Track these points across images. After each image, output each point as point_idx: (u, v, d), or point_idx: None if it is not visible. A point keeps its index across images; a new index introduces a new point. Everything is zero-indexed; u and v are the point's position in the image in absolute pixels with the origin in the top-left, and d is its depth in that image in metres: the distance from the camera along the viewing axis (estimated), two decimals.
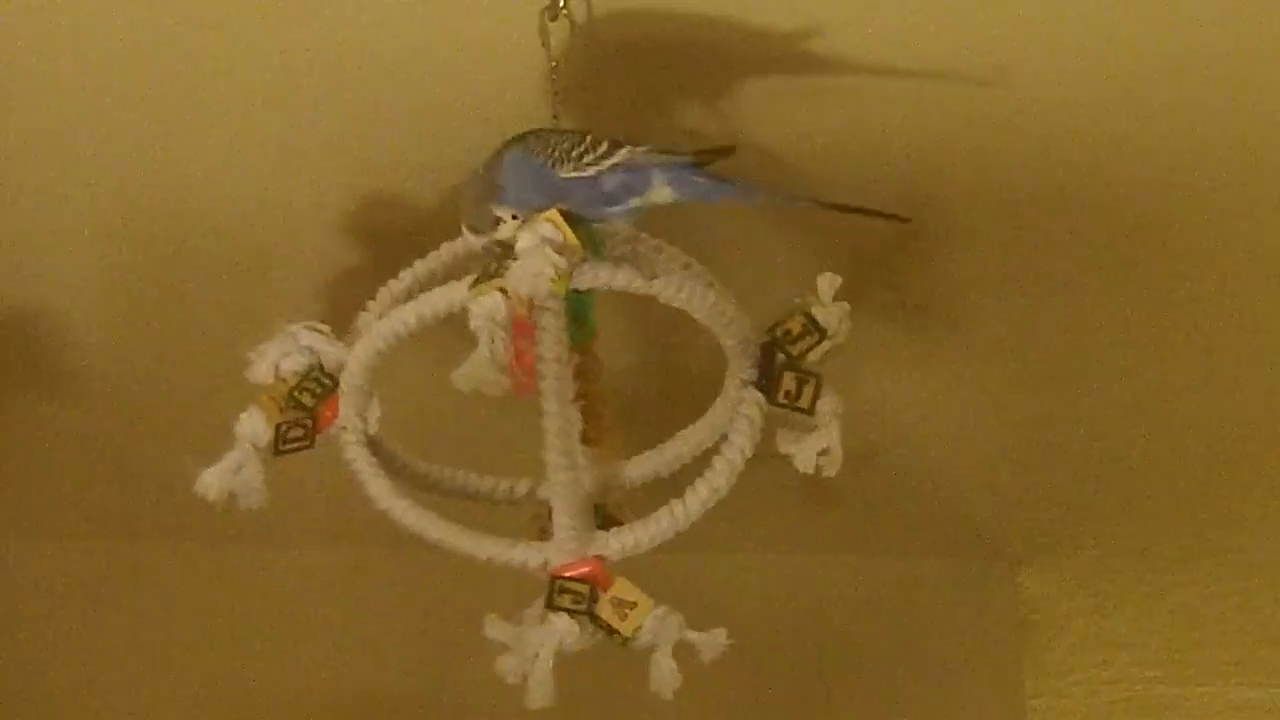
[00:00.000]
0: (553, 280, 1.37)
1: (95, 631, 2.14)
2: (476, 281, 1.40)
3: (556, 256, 1.37)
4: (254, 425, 1.50)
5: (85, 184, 1.67)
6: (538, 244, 1.38)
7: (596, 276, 1.41)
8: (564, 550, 1.46)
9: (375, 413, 1.52)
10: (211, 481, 1.50)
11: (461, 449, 1.63)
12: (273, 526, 2.09)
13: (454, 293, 1.42)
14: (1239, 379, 1.92)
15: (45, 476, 2.04)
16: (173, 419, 1.91)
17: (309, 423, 1.51)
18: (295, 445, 1.50)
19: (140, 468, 2.01)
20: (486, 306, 1.38)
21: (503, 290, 1.38)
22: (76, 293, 1.80)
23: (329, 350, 1.51)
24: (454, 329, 1.46)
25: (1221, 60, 1.53)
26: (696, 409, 1.58)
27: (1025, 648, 2.23)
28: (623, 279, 1.42)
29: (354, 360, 1.48)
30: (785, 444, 1.51)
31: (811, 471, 1.51)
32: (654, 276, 1.43)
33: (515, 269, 1.38)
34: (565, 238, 1.39)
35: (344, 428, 1.51)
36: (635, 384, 1.80)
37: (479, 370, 1.39)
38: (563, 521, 1.46)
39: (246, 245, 1.71)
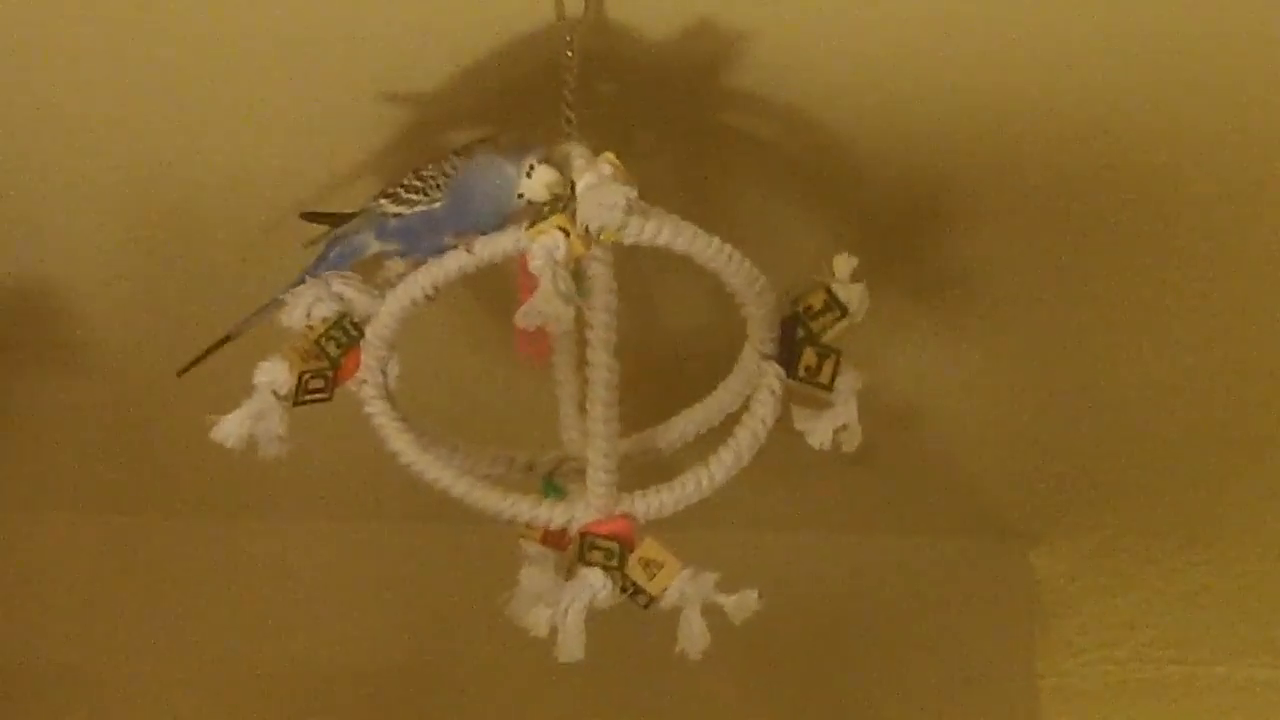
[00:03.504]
0: (624, 211, 1.37)
1: (104, 606, 2.13)
2: (532, 224, 1.39)
3: (626, 187, 1.38)
4: (275, 373, 1.48)
5: (94, 157, 1.65)
6: (604, 177, 1.38)
7: (641, 232, 1.40)
8: (594, 506, 1.46)
9: (394, 369, 1.51)
10: (230, 428, 1.48)
11: (453, 421, 1.61)
12: (281, 501, 2.10)
13: (505, 239, 1.41)
14: (1253, 360, 1.91)
15: (55, 451, 2.03)
16: (183, 393, 1.88)
17: (330, 374, 1.49)
18: (315, 396, 1.49)
19: (150, 442, 2.00)
20: (547, 245, 1.37)
21: (561, 229, 1.37)
22: (87, 266, 1.78)
23: (359, 299, 1.49)
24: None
25: (1244, 42, 1.52)
26: (679, 389, 1.59)
27: (1036, 627, 2.23)
28: (667, 235, 1.40)
29: (386, 310, 1.47)
30: (801, 421, 1.52)
31: (827, 448, 1.52)
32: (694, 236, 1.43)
33: (585, 200, 1.37)
34: (625, 174, 1.39)
35: (364, 381, 1.50)
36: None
37: (545, 305, 1.38)
38: (598, 477, 1.45)
39: (257, 218, 1.70)
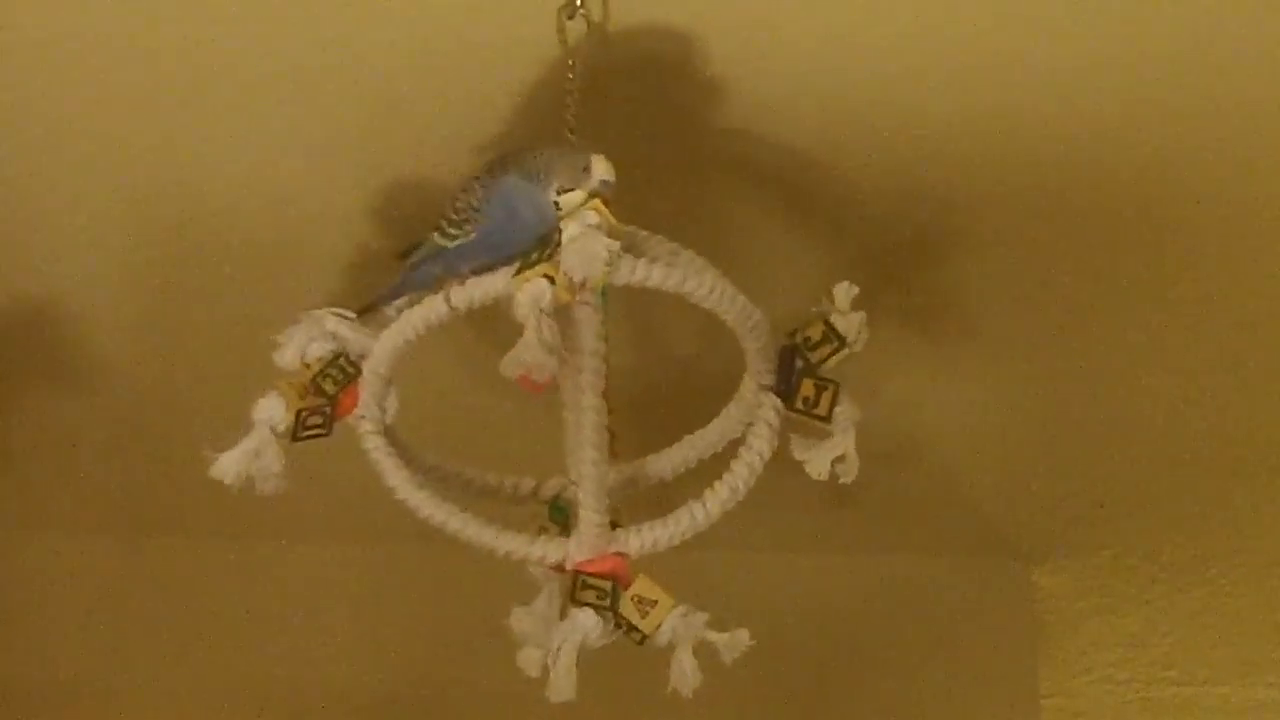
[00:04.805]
0: (606, 263, 1.37)
1: (109, 626, 2.13)
2: (519, 270, 1.39)
3: (609, 239, 1.38)
4: (272, 410, 1.49)
5: (102, 178, 1.66)
6: (589, 228, 1.38)
7: (633, 273, 1.40)
8: (586, 545, 1.46)
9: (393, 403, 1.51)
10: (229, 466, 1.49)
11: (461, 447, 1.63)
12: (286, 522, 2.10)
13: (494, 282, 1.42)
14: (1253, 381, 1.91)
15: (61, 471, 2.03)
16: (189, 414, 1.90)
17: (328, 410, 1.50)
18: (314, 432, 1.50)
19: (155, 463, 2.01)
20: (532, 293, 1.38)
21: (547, 276, 1.38)
22: (94, 287, 1.79)
23: (354, 337, 1.50)
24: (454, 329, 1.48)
25: (1234, 61, 1.52)
26: (687, 414, 1.59)
27: (1039, 647, 2.23)
28: (658, 277, 1.41)
29: (380, 348, 1.48)
30: (800, 450, 1.52)
31: (825, 478, 1.52)
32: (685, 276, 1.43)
33: (569, 252, 1.37)
34: (610, 224, 1.39)
35: (363, 416, 1.50)
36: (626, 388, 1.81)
37: (528, 354, 1.38)
38: (589, 516, 1.46)
39: (263, 239, 1.71)
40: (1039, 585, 2.24)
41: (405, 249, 1.53)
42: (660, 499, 1.54)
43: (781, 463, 1.52)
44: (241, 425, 1.50)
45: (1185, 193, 1.66)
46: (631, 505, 1.54)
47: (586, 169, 1.40)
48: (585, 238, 1.37)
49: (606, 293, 1.44)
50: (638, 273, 1.40)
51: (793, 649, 2.09)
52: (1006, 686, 2.21)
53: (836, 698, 2.18)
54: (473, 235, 1.45)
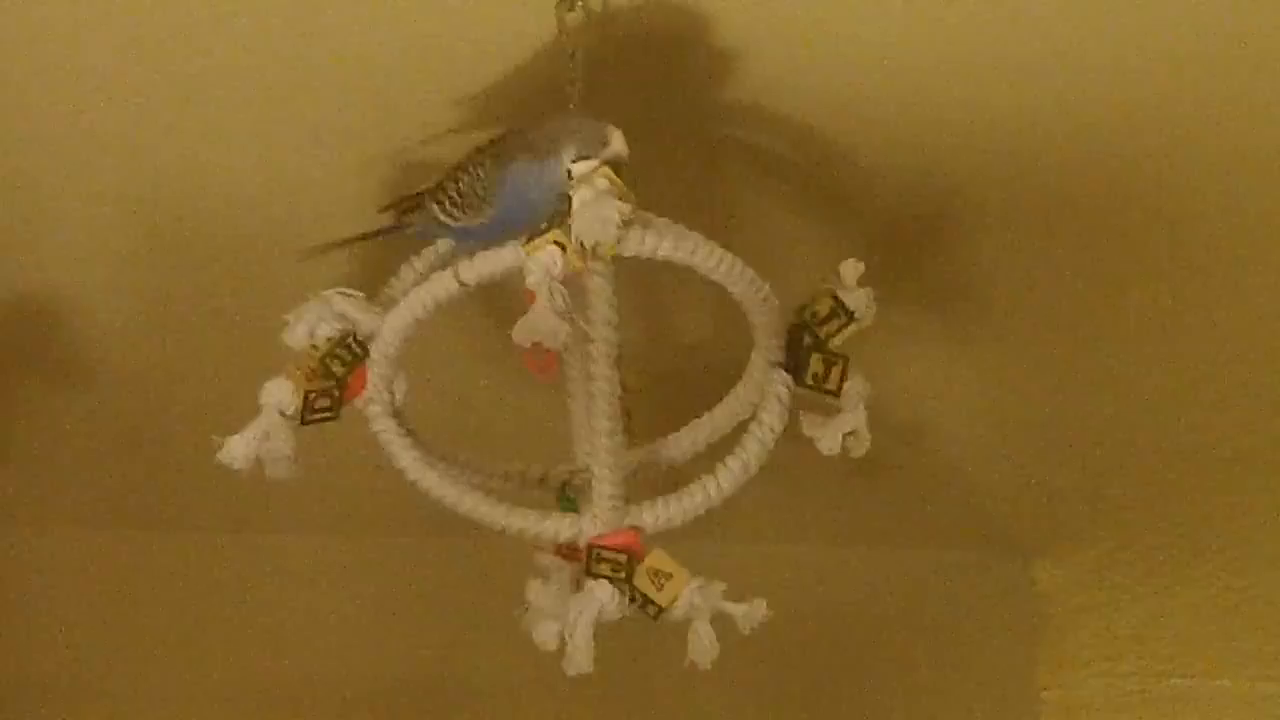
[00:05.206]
0: (617, 226, 1.37)
1: (111, 620, 2.13)
2: (528, 240, 1.39)
3: (620, 202, 1.37)
4: (280, 393, 1.49)
5: (102, 176, 1.65)
6: (600, 193, 1.38)
7: (643, 243, 1.40)
8: (600, 520, 1.46)
9: (402, 386, 1.51)
10: (237, 449, 1.48)
11: (466, 440, 1.62)
12: (286, 516, 2.09)
13: (504, 255, 1.42)
14: (1254, 377, 1.92)
15: (61, 465, 2.03)
16: (190, 409, 1.90)
17: (336, 393, 1.50)
18: (322, 415, 1.49)
19: (155, 456, 2.00)
20: (544, 261, 1.37)
21: (558, 244, 1.38)
22: (93, 280, 1.78)
23: (362, 318, 1.49)
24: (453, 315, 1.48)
25: (1252, 57, 1.53)
26: (695, 399, 1.59)
27: (1039, 640, 2.24)
28: (667, 247, 1.41)
29: (389, 328, 1.47)
30: (810, 427, 1.52)
31: (836, 453, 1.52)
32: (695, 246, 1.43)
33: (580, 217, 1.37)
34: (621, 189, 1.39)
35: (371, 400, 1.50)
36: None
37: (541, 321, 1.38)
38: (604, 490, 1.46)
39: (263, 232, 1.70)
40: (1039, 579, 2.24)
41: (392, 202, 1.54)
42: (669, 486, 1.54)
43: (783, 454, 1.52)
44: (242, 418, 1.49)
45: (1196, 188, 1.67)
46: (642, 491, 1.53)
47: (604, 143, 1.40)
48: (597, 202, 1.37)
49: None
50: (647, 243, 1.40)
51: (793, 641, 2.09)
52: (1006, 679, 2.22)
53: (836, 690, 2.18)
54: (478, 221, 1.45)
